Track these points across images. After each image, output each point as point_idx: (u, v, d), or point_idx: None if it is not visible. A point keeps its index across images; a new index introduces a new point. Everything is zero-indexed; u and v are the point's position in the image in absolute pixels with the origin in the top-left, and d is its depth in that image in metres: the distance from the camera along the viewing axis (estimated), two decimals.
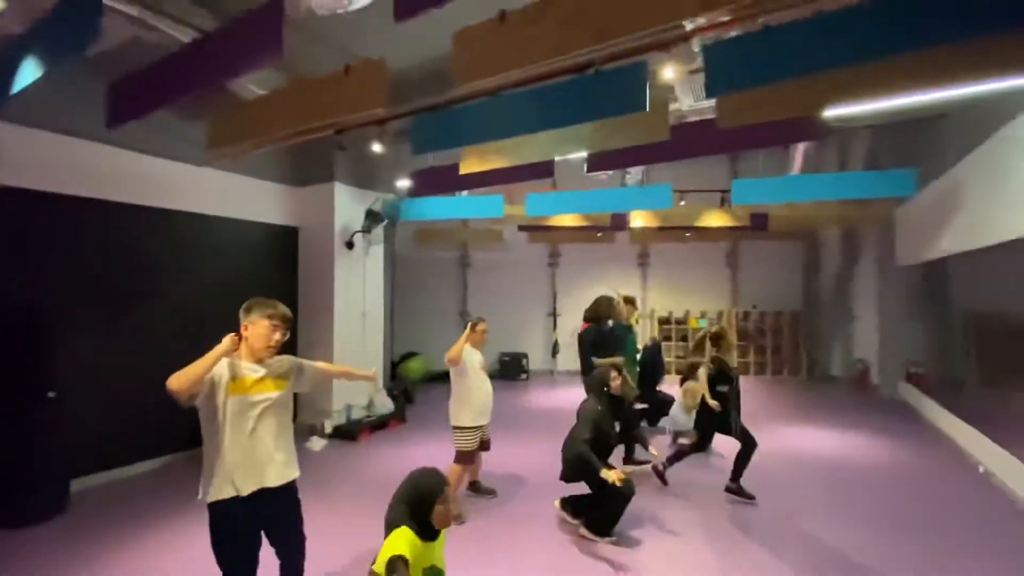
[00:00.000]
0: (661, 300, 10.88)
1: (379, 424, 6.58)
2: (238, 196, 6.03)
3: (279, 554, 2.47)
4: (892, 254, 8.28)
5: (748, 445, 4.21)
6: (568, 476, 3.70)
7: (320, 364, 2.73)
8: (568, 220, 7.53)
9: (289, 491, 2.42)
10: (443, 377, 9.92)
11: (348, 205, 6.61)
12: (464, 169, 4.41)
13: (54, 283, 4.53)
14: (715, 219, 7.45)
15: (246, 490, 2.25)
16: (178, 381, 2.13)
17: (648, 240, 10.28)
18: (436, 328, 10.58)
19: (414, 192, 6.18)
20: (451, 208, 6.64)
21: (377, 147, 4.59)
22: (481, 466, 4.44)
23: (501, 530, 3.79)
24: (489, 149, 4.26)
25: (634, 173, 7.40)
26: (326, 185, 6.48)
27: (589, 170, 4.81)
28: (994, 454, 4.83)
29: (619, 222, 7.56)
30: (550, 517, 3.97)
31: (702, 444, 4.42)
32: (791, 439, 6.05)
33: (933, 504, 4.27)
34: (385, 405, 6.89)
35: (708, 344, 4.47)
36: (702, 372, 4.36)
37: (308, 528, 2.56)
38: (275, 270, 6.50)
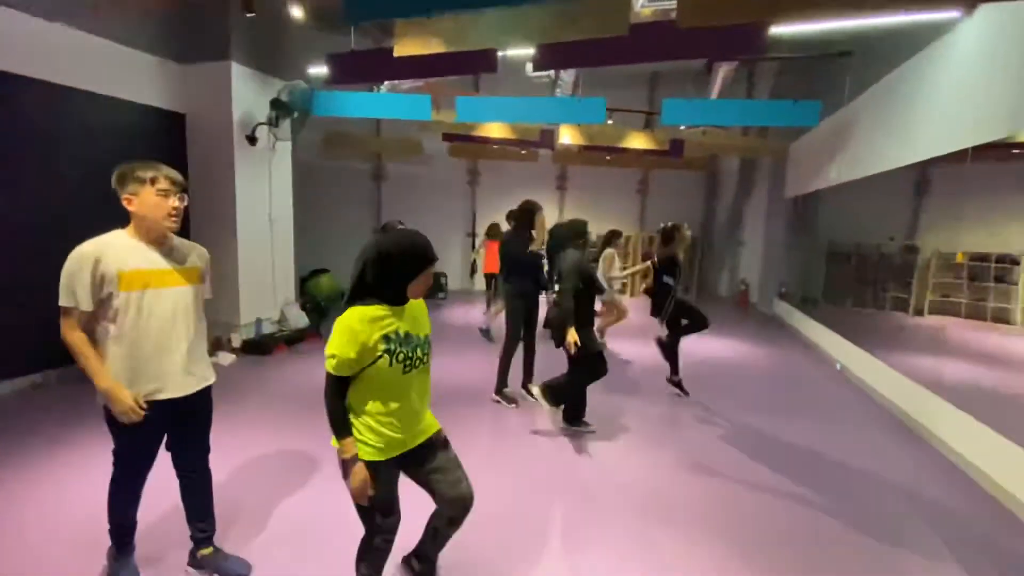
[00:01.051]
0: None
1: (294, 338, 6.20)
2: (103, 66, 4.90)
3: (182, 466, 2.17)
4: (781, 186, 9.17)
5: (674, 339, 4.62)
6: (559, 339, 3.55)
7: None
8: (496, 132, 7.23)
9: (204, 397, 2.13)
10: None
11: (248, 92, 5.70)
12: (399, 51, 3.92)
13: None
14: (638, 141, 7.60)
15: (162, 395, 1.95)
16: (66, 340, 1.88)
17: (568, 162, 10.31)
18: (347, 245, 9.94)
19: (331, 82, 5.44)
20: (373, 105, 6.00)
21: (296, 10, 3.89)
22: None
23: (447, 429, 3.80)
24: (429, 30, 3.82)
25: (563, 87, 7.23)
26: (220, 64, 5.49)
27: (535, 68, 4.55)
28: (850, 353, 5.81)
29: (547, 139, 7.42)
30: (490, 415, 4.12)
31: (693, 326, 4.61)
32: (692, 346, 6.74)
33: (805, 393, 5.15)
34: (298, 318, 6.47)
35: (659, 239, 4.72)
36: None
37: (221, 445, 2.34)
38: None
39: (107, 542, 2.12)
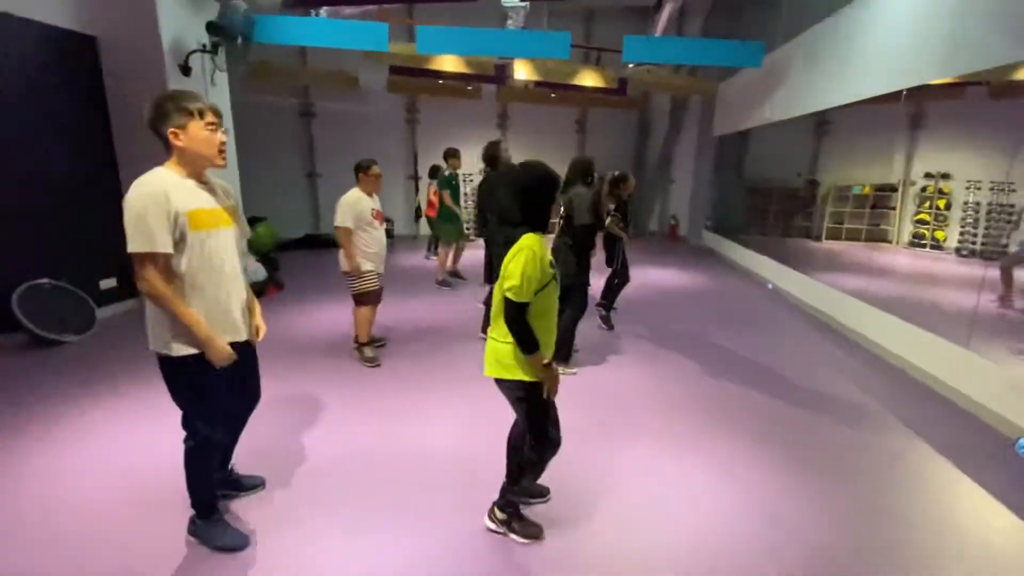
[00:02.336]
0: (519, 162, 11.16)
1: (256, 292, 5.81)
2: None
3: (235, 412, 2.17)
4: (710, 125, 9.81)
5: (624, 278, 4.98)
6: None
7: None
8: (449, 65, 6.91)
9: (253, 349, 2.14)
10: (294, 245, 9.10)
11: (176, 13, 4.93)
12: None
13: None
14: (590, 78, 7.68)
15: (230, 338, 1.89)
16: (147, 291, 1.72)
17: (511, 100, 10.14)
18: (281, 190, 9.23)
19: (287, 4, 4.85)
20: (323, 33, 5.45)
21: None
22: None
23: (410, 370, 3.89)
24: None
25: (515, 19, 7.02)
26: None
27: None
28: (779, 272, 6.68)
29: (501, 73, 7.25)
30: (454, 354, 4.24)
31: (626, 277, 4.94)
32: (636, 276, 7.33)
33: (745, 309, 5.93)
34: (257, 272, 6.06)
35: (608, 185, 4.87)
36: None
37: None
38: (68, 98, 4.70)
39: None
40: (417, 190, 10.35)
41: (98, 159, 4.99)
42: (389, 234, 9.57)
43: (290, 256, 8.24)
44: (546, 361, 1.84)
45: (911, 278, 7.01)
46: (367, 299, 3.90)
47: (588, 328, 4.81)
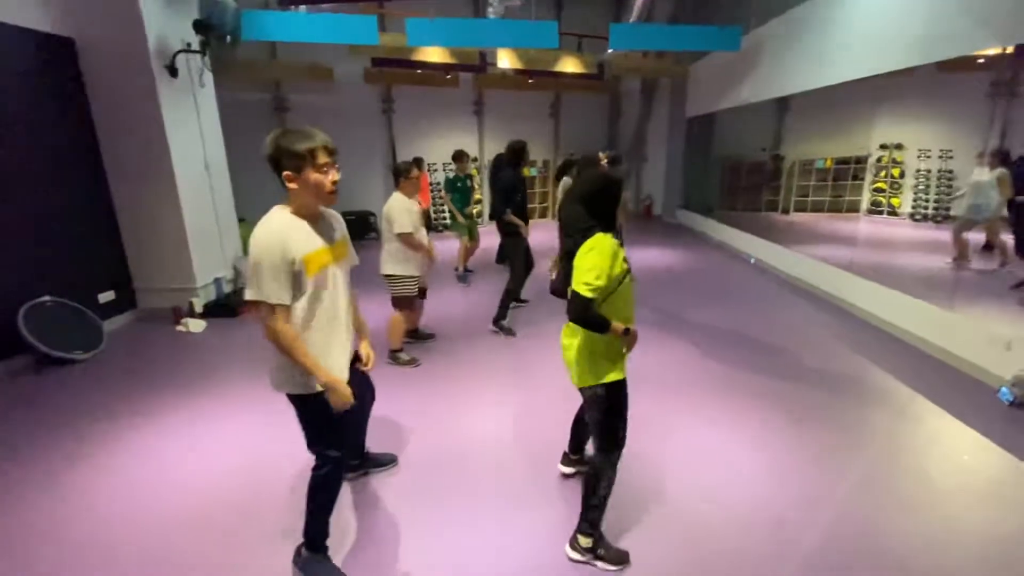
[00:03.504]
0: (494, 149, 11.17)
1: None
2: None
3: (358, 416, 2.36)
4: (682, 106, 10.13)
5: None
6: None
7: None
8: (433, 55, 6.87)
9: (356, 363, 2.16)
10: None
11: (158, 12, 4.72)
12: None
13: None
14: (571, 64, 7.79)
15: (345, 373, 1.94)
16: (274, 340, 1.74)
17: (487, 87, 10.12)
18: (257, 187, 8.91)
19: (283, 2, 4.71)
20: (311, 28, 5.34)
21: None
22: (422, 314, 4.49)
23: (449, 367, 4.00)
24: None
25: (495, 5, 7.02)
26: None
27: None
28: (759, 246, 7.09)
29: (484, 62, 7.26)
30: (500, 343, 4.48)
31: None
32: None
33: (731, 284, 6.26)
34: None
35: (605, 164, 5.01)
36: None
37: (211, 414, 2.43)
38: (45, 107, 4.45)
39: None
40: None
41: (83, 168, 4.76)
42: (373, 227, 9.59)
43: None
44: (617, 377, 1.91)
45: (875, 243, 7.60)
46: (405, 304, 3.93)
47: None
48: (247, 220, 7.99)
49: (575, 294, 1.81)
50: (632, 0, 7.19)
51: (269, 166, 1.75)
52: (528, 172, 11.06)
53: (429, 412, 3.29)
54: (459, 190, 6.46)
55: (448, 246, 7.33)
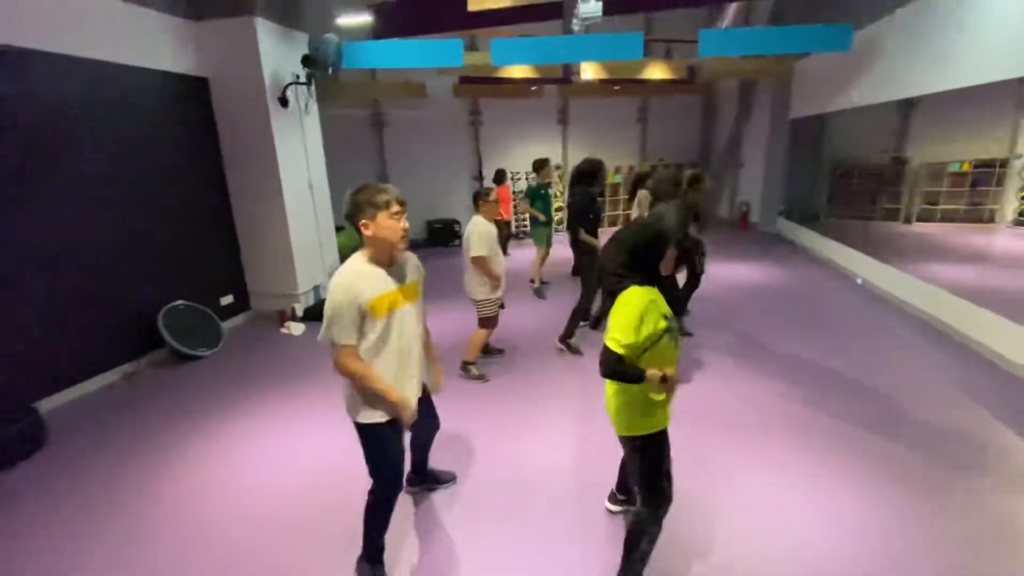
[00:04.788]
0: (579, 158, 11.08)
1: None
2: (109, 28, 4.41)
3: (416, 432, 2.55)
4: (785, 107, 9.36)
5: (695, 283, 4.90)
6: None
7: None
8: (517, 71, 7.02)
9: (426, 391, 2.37)
10: None
11: (273, 49, 5.33)
12: (475, 5, 3.78)
13: None
14: (659, 71, 7.54)
15: (414, 400, 2.11)
16: (344, 373, 1.98)
17: (572, 96, 10.11)
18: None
19: (378, 33, 5.13)
20: (402, 54, 5.71)
21: None
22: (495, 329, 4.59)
23: (515, 385, 4.08)
24: None
25: (578, 22, 6.98)
26: (241, 20, 5.07)
27: (607, 13, 4.45)
28: (869, 265, 6.38)
29: (568, 74, 7.27)
30: (553, 364, 4.47)
31: (697, 281, 4.86)
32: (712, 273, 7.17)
33: (832, 309, 5.65)
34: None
35: (685, 185, 4.77)
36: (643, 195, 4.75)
37: (310, 414, 2.62)
38: (188, 134, 5.23)
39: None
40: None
41: (212, 190, 5.52)
42: (457, 235, 9.99)
43: None
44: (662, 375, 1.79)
45: (1017, 263, 6.48)
46: (491, 323, 4.11)
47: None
48: (346, 229, 8.75)
49: (605, 348, 1.79)
50: (726, 5, 6.81)
51: (348, 223, 1.96)
52: (612, 178, 10.88)
53: (490, 430, 3.40)
54: (541, 198, 6.55)
55: (526, 255, 7.43)
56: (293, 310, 5.73)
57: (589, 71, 7.17)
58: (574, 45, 5.80)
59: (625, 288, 1.81)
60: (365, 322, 1.93)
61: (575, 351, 4.58)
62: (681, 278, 4.88)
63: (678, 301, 4.90)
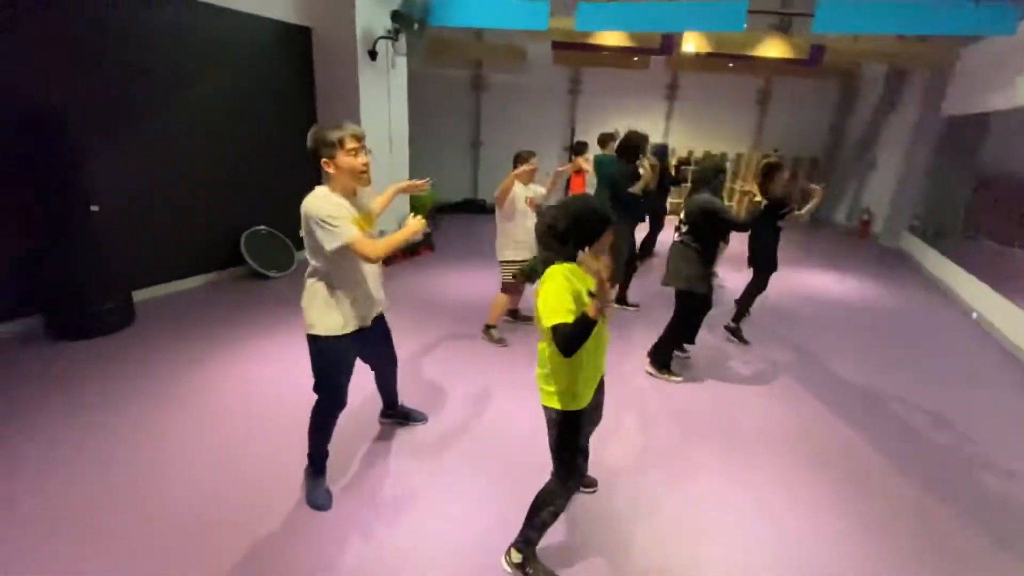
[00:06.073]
0: (682, 138, 10.42)
1: (411, 250, 6.68)
2: None
3: (377, 369, 2.75)
4: (939, 102, 7.88)
5: (761, 284, 4.37)
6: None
7: (378, 199, 2.58)
8: (612, 39, 6.70)
9: (382, 319, 2.56)
10: (453, 208, 9.97)
11: (368, 3, 5.65)
12: None
13: (70, 86, 4.01)
14: (774, 48, 6.74)
15: (366, 323, 2.33)
16: (379, 253, 2.11)
17: (681, 69, 9.42)
18: (445, 157, 10.11)
19: None
20: (486, 13, 5.74)
21: None
22: (521, 296, 4.60)
23: (530, 353, 4.05)
24: None
25: None
26: None
27: None
28: (991, 301, 5.31)
29: (668, 45, 6.78)
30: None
31: (763, 284, 4.38)
32: (792, 280, 6.41)
33: (930, 344, 4.80)
34: (416, 233, 6.89)
35: (760, 177, 4.23)
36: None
37: None
38: (289, 78, 5.82)
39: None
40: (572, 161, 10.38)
41: (302, 130, 6.08)
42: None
43: (448, 219, 9.10)
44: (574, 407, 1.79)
45: None
46: (508, 289, 4.18)
47: (714, 338, 4.52)
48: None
49: (554, 329, 1.66)
50: None
51: (313, 159, 2.14)
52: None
53: (487, 390, 3.48)
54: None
55: None
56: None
57: (692, 42, 6.61)
58: (667, 12, 5.39)
59: (551, 264, 1.78)
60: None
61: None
62: (741, 277, 4.46)
63: (741, 301, 4.50)
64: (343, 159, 2.11)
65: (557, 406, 1.88)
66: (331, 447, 2.48)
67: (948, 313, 5.68)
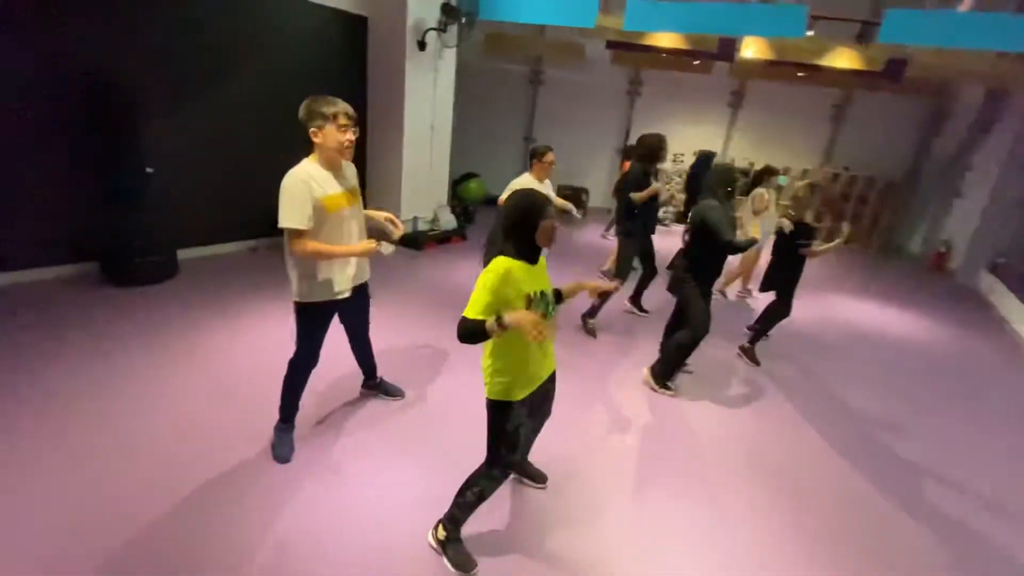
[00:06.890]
0: (744, 148, 9.92)
1: (442, 238, 6.85)
2: None
3: (352, 337, 2.91)
4: None
5: (785, 308, 4.11)
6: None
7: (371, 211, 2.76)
8: (666, 41, 6.50)
9: (364, 289, 2.71)
10: (494, 201, 10.04)
11: None
12: None
13: (136, 58, 4.46)
14: (844, 59, 6.27)
15: (346, 292, 2.47)
16: (306, 253, 2.24)
17: (748, 76, 8.96)
18: (497, 150, 10.23)
19: None
20: (535, 10, 5.75)
21: None
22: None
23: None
24: None
25: None
26: None
27: None
28: None
29: (727, 50, 6.48)
30: (597, 344, 4.31)
31: (786, 308, 4.13)
32: (843, 310, 5.98)
33: (982, 394, 4.33)
34: (449, 222, 7.07)
35: (799, 194, 3.94)
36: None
37: (377, 319, 3.01)
38: (342, 64, 6.12)
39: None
40: (622, 166, 10.19)
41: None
42: (583, 205, 9.88)
43: (487, 211, 9.18)
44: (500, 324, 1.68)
45: None
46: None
47: (725, 355, 4.33)
48: (480, 176, 9.28)
49: (461, 319, 1.76)
50: None
51: (302, 128, 2.27)
52: (781, 179, 9.50)
53: (479, 377, 3.52)
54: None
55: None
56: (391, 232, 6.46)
57: (751, 48, 6.28)
58: (721, 13, 5.16)
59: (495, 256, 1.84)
60: (320, 215, 2.24)
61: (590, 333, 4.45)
62: (764, 298, 4.25)
63: (764, 320, 4.26)
64: (331, 131, 2.23)
65: (492, 396, 1.93)
66: (310, 407, 2.65)
67: (1017, 358, 5.08)
